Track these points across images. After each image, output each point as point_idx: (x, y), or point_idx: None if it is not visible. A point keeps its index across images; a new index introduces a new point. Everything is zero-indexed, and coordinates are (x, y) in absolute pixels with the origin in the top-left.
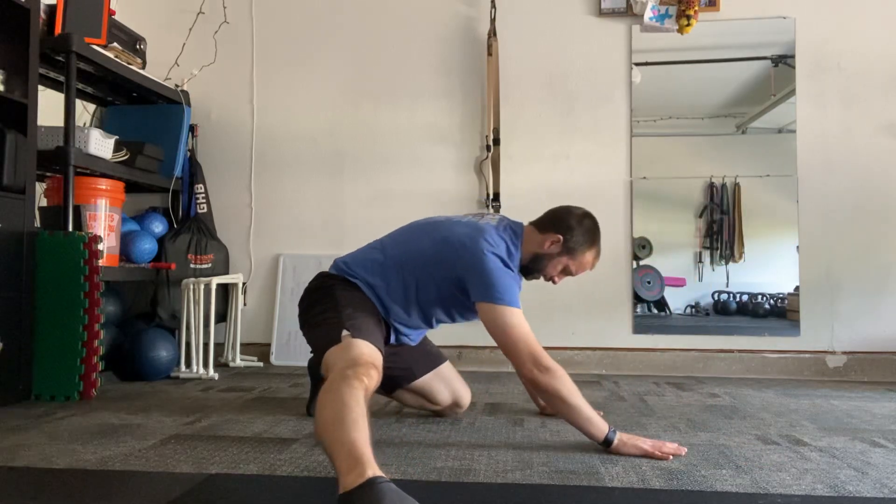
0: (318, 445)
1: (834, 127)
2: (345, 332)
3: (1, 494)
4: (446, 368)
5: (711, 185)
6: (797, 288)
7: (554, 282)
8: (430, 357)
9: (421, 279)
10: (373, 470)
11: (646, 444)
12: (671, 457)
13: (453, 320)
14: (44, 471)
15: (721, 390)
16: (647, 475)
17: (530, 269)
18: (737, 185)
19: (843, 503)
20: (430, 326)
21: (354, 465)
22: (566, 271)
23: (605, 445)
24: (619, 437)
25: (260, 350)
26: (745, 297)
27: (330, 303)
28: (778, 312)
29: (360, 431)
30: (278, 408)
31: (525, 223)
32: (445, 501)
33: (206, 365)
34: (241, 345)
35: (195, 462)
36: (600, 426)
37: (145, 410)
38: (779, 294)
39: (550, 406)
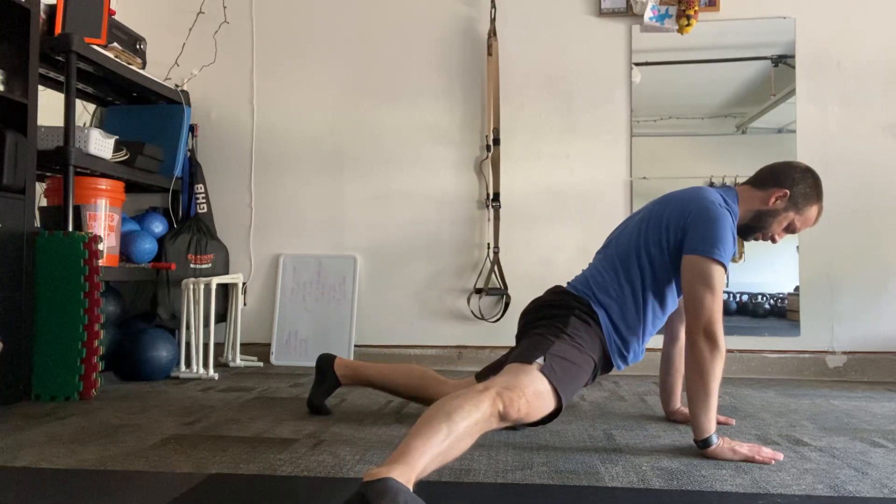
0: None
1: (834, 127)
2: (539, 360)
3: (1, 494)
4: None
5: (711, 186)
6: (797, 288)
7: (774, 240)
8: None
9: (651, 255)
10: (396, 474)
11: (743, 448)
12: (773, 461)
13: (671, 304)
14: (44, 471)
15: (721, 390)
16: (647, 475)
17: (753, 227)
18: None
19: (843, 503)
20: (657, 325)
21: (392, 462)
22: (790, 228)
23: (704, 445)
24: (718, 442)
25: (260, 350)
26: (745, 297)
27: (559, 325)
28: (778, 312)
29: (430, 446)
30: (278, 408)
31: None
32: (445, 501)
33: (206, 365)
34: (241, 345)
35: (195, 462)
36: (712, 424)
37: (145, 410)
38: (779, 294)
39: (687, 377)
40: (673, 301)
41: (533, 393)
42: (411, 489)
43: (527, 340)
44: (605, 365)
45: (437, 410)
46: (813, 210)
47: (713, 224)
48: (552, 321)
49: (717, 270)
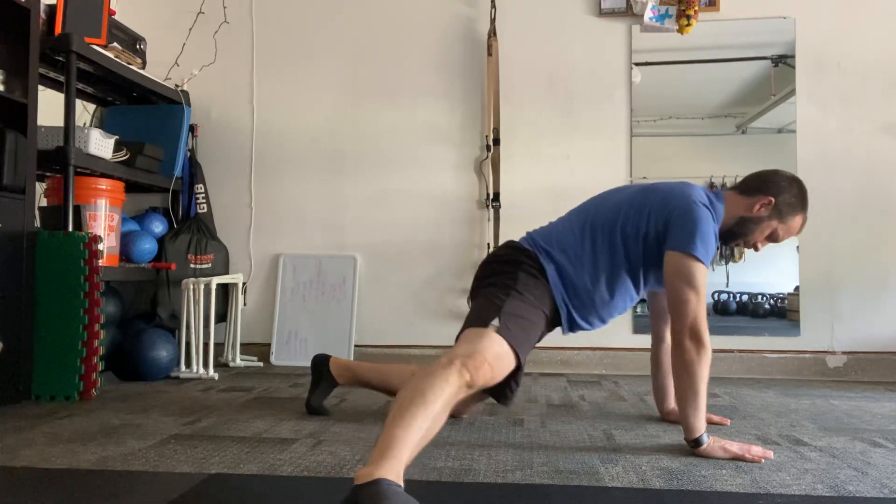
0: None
1: (834, 127)
2: (494, 322)
3: (1, 494)
4: None
5: (711, 185)
6: (797, 288)
7: (756, 248)
8: None
9: (626, 233)
10: (386, 472)
11: (734, 446)
12: (762, 460)
13: (638, 291)
14: (44, 471)
15: (721, 390)
16: (647, 475)
17: (735, 233)
18: None
19: (843, 503)
20: (616, 306)
21: (379, 459)
22: (773, 237)
23: (695, 445)
24: (709, 441)
25: (260, 350)
26: (745, 297)
27: (508, 281)
28: (778, 312)
29: (413, 432)
30: (278, 408)
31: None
32: (445, 501)
33: (206, 365)
34: (241, 345)
35: (195, 462)
36: (702, 423)
37: (145, 410)
38: (779, 294)
39: (675, 378)
40: (630, 291)
41: (494, 356)
42: (401, 483)
43: (479, 301)
44: (555, 319)
45: (411, 394)
46: (797, 220)
47: (695, 223)
48: (502, 277)
49: (699, 269)
